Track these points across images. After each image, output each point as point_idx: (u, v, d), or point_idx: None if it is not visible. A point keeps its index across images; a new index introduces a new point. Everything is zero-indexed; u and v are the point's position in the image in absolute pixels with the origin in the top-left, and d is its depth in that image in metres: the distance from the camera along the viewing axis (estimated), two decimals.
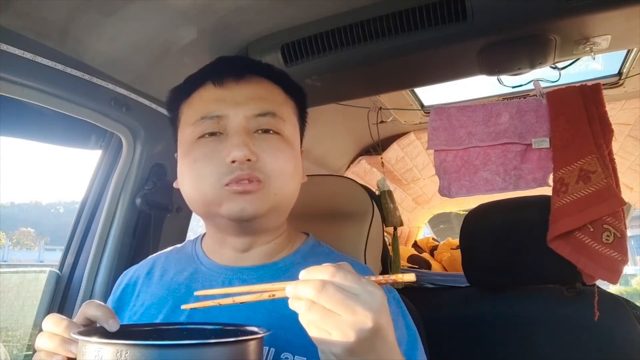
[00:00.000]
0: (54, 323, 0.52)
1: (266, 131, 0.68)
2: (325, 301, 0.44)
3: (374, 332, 0.44)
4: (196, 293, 0.55)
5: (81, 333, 0.49)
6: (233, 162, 0.63)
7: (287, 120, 0.71)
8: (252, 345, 0.45)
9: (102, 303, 0.54)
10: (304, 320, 0.45)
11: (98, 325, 0.53)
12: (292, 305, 0.46)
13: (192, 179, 0.67)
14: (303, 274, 0.47)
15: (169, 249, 0.83)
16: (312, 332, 0.45)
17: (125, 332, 0.53)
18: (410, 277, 0.49)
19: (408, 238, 2.99)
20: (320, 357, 0.47)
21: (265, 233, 0.71)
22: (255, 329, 0.51)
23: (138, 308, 0.72)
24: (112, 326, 0.52)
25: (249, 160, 0.63)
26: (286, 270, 0.70)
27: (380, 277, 0.49)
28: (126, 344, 0.40)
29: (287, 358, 0.61)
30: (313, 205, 1.00)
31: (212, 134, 0.67)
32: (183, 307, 0.54)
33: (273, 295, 0.49)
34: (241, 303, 0.52)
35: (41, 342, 0.53)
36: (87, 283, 1.07)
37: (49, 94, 0.85)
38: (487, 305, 1.23)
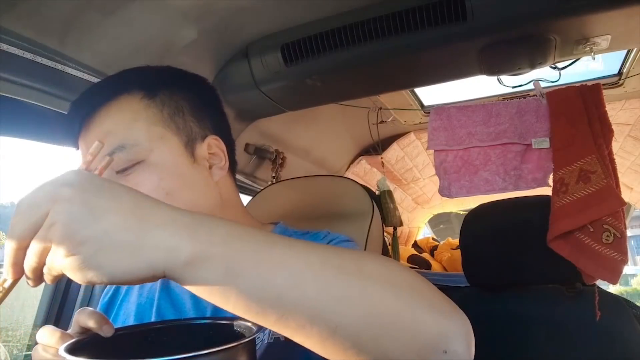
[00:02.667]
0: (47, 335, 0.51)
1: (123, 170, 0.59)
2: (19, 233, 0.36)
3: (83, 199, 0.35)
4: None
5: (76, 343, 0.49)
6: None
7: (143, 137, 0.60)
8: (246, 347, 0.44)
9: (94, 309, 0.53)
10: (47, 276, 0.37)
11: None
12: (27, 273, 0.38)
13: None
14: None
15: None
16: (50, 274, 0.37)
17: (120, 337, 0.53)
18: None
19: (408, 238, 3.00)
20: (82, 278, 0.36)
21: None
22: (248, 324, 0.51)
23: (121, 317, 0.72)
24: (107, 332, 0.51)
25: None
26: None
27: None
28: None
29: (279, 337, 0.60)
30: (313, 205, 1.00)
31: None
32: None
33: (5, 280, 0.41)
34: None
35: (36, 355, 0.52)
36: None
37: (49, 94, 0.85)
38: (487, 305, 1.23)
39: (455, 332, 0.39)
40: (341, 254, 0.40)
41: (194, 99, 0.67)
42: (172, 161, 0.62)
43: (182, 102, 0.65)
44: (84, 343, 0.50)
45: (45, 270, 0.37)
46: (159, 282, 0.72)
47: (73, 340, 0.49)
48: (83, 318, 0.52)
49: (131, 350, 0.54)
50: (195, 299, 0.67)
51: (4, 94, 0.79)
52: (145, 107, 0.62)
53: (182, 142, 0.64)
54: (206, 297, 0.37)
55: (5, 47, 0.74)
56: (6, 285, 0.42)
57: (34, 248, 0.36)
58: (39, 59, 0.80)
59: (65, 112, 0.90)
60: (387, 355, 0.37)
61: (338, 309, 0.36)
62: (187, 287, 0.37)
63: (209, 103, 0.70)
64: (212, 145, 0.67)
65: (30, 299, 1.08)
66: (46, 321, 1.04)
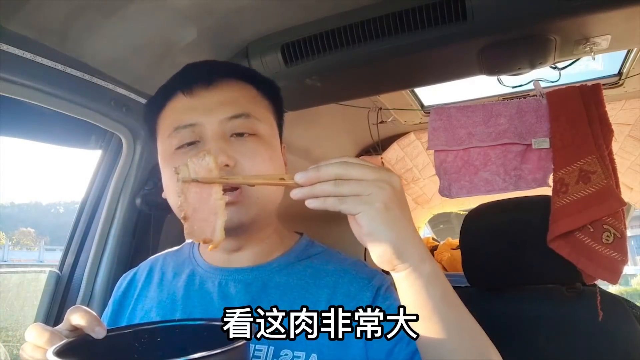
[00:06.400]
0: (37, 335, 0.51)
1: (242, 134, 0.67)
2: (355, 172, 0.49)
3: (401, 188, 0.51)
4: (200, 179, 0.56)
5: (66, 345, 0.48)
6: None
7: (263, 119, 0.70)
8: (241, 349, 0.44)
9: (88, 309, 0.53)
10: (332, 200, 0.49)
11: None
12: (312, 190, 0.50)
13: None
14: (313, 168, 0.51)
15: (166, 251, 0.83)
16: (346, 205, 0.49)
17: (112, 338, 0.52)
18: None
19: None
20: (371, 226, 0.49)
21: (255, 234, 0.70)
22: None
23: (138, 311, 0.72)
24: (99, 334, 0.51)
25: (227, 165, 0.63)
26: (280, 271, 0.69)
27: None
28: None
29: (287, 354, 0.61)
30: None
31: (189, 144, 0.66)
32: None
33: (283, 179, 0.52)
34: (250, 185, 0.59)
35: (25, 354, 0.52)
36: (87, 283, 1.07)
37: (49, 94, 0.85)
38: (487, 305, 1.23)
39: None
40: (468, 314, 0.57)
41: (281, 109, 0.78)
42: (277, 146, 0.72)
43: (278, 108, 0.76)
44: (74, 344, 0.50)
45: (340, 198, 0.49)
46: (182, 280, 0.73)
47: (62, 342, 0.49)
48: (76, 317, 0.52)
49: (124, 352, 0.53)
50: (223, 296, 0.67)
51: (4, 94, 0.79)
52: (263, 97, 0.73)
53: (279, 136, 0.75)
54: (409, 288, 0.52)
55: (5, 47, 0.74)
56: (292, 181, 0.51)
57: (357, 178, 0.49)
58: (39, 59, 0.80)
59: (65, 112, 0.91)
60: None
61: (470, 342, 0.56)
62: (404, 282, 0.52)
63: (283, 115, 0.79)
64: (283, 152, 0.76)
65: (30, 299, 1.08)
66: (46, 321, 1.04)
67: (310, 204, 0.50)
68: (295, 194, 0.51)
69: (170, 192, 0.67)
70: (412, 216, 0.53)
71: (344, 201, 0.49)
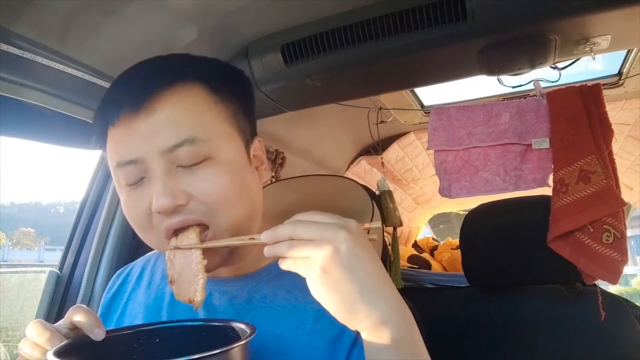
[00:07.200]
0: (37, 333, 0.50)
1: (191, 165, 0.56)
2: (303, 233, 0.48)
3: (350, 245, 0.47)
4: (180, 246, 0.57)
5: (66, 346, 0.48)
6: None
7: (215, 135, 0.58)
8: (243, 349, 0.44)
9: (90, 309, 0.53)
10: (289, 261, 0.49)
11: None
12: (273, 250, 0.49)
13: (134, 227, 0.62)
14: (273, 228, 0.50)
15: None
16: (297, 267, 0.48)
17: (112, 339, 0.53)
18: (377, 224, 0.57)
19: (408, 238, 2.99)
20: (314, 291, 0.48)
21: (236, 255, 0.64)
22: (242, 325, 0.51)
23: (127, 316, 0.72)
24: (98, 335, 0.51)
25: (180, 205, 0.55)
26: (268, 282, 0.65)
27: None
28: None
29: None
30: (312, 205, 1.00)
31: (136, 182, 0.58)
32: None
33: (253, 239, 0.54)
34: (222, 247, 0.57)
35: (24, 349, 0.51)
36: (87, 283, 1.07)
37: (49, 94, 0.85)
38: (487, 305, 1.23)
39: None
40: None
41: (246, 97, 0.66)
42: (238, 161, 0.60)
43: (241, 100, 0.64)
44: (74, 345, 0.50)
45: (294, 260, 0.48)
46: (168, 290, 0.71)
47: (63, 343, 0.49)
48: (77, 317, 0.52)
49: (124, 353, 0.53)
50: (207, 307, 0.66)
51: (4, 94, 0.79)
52: (215, 102, 0.60)
53: (243, 142, 0.62)
54: (368, 346, 0.49)
55: (5, 47, 0.74)
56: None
57: (306, 237, 0.48)
58: (39, 59, 0.79)
59: (65, 112, 0.91)
60: None
61: None
62: (370, 341, 0.49)
63: (252, 102, 0.68)
64: (257, 147, 0.66)
65: (30, 299, 1.09)
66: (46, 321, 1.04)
67: (279, 264, 0.50)
68: (264, 253, 0.51)
69: (129, 218, 0.62)
70: (377, 268, 0.49)
71: (296, 263, 0.48)
